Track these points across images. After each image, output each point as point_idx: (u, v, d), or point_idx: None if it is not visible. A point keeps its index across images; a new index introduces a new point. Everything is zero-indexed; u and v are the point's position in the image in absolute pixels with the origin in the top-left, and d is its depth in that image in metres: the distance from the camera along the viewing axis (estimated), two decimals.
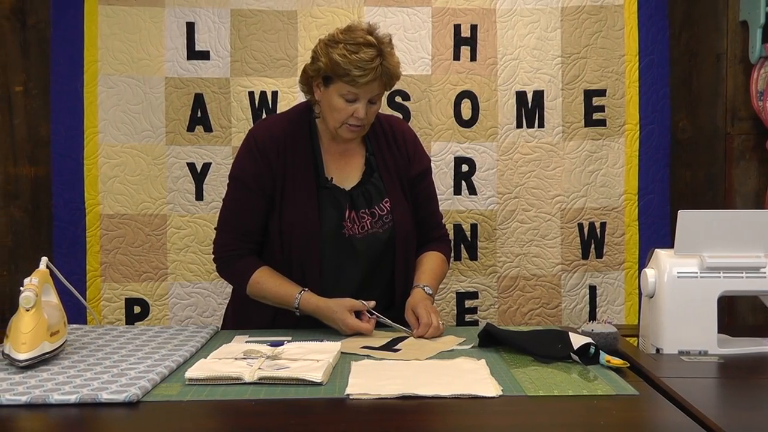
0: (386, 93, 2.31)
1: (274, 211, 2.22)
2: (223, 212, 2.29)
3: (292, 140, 2.24)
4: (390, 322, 2.11)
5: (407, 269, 2.30)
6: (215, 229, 2.32)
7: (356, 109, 2.15)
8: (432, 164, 2.50)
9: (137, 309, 3.06)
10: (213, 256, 2.32)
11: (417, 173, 2.34)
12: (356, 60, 2.10)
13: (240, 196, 2.25)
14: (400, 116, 2.94)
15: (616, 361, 1.76)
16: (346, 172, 2.27)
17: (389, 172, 2.28)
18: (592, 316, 3.13)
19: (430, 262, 2.32)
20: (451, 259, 2.78)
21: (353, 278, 2.22)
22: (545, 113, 3.11)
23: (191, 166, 3.07)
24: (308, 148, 2.25)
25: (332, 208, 2.21)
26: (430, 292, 2.21)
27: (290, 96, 3.05)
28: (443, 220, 2.49)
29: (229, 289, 3.04)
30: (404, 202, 2.29)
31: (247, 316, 2.28)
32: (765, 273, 1.94)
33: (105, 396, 1.52)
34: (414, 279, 2.27)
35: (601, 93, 3.12)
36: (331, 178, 2.24)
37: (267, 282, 2.20)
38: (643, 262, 3.06)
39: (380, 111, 2.31)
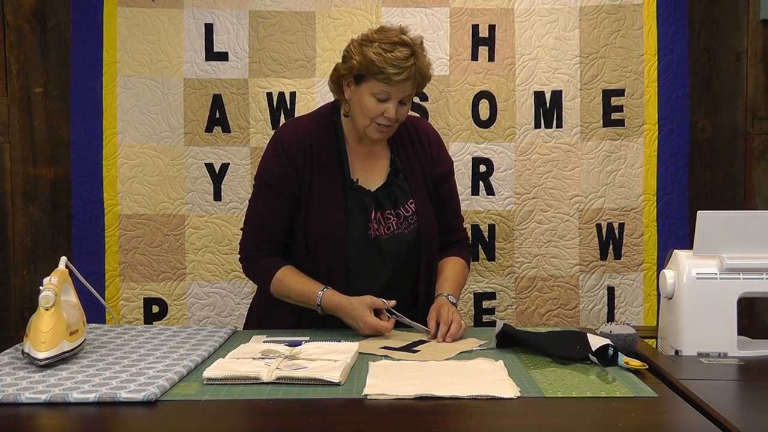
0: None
1: (299, 212, 2.23)
2: (249, 213, 2.31)
3: (318, 142, 2.25)
4: (410, 321, 2.11)
5: (431, 270, 2.30)
6: (241, 229, 2.34)
7: (387, 108, 2.16)
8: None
9: (156, 309, 3.08)
10: (239, 256, 2.33)
11: (441, 174, 2.34)
12: (391, 58, 2.11)
13: (266, 197, 2.26)
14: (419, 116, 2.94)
15: (635, 363, 1.75)
16: (371, 173, 2.27)
17: (414, 173, 2.28)
18: (611, 318, 3.11)
19: (452, 268, 2.31)
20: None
21: (379, 279, 2.22)
22: (563, 113, 3.10)
23: (209, 167, 3.08)
24: (334, 150, 2.26)
25: (358, 210, 2.21)
26: (454, 301, 2.20)
27: (308, 97, 3.06)
28: (464, 223, 2.48)
29: (247, 288, 3.06)
30: (429, 203, 2.29)
31: (273, 315, 2.29)
32: None
33: (124, 395, 1.53)
34: (436, 287, 2.27)
35: (620, 93, 3.10)
36: (357, 179, 2.25)
37: (290, 280, 2.21)
38: (661, 263, 3.04)
39: None
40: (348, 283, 2.20)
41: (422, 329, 2.10)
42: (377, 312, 2.10)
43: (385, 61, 2.11)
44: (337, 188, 2.22)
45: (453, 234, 2.39)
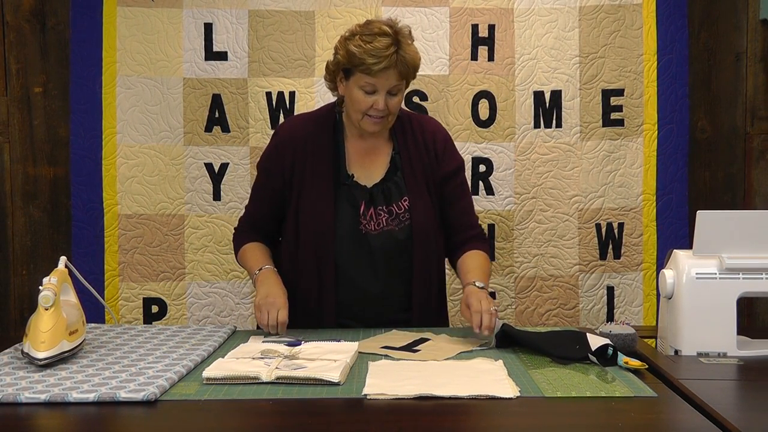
0: (408, 88, 2.30)
1: (290, 206, 2.24)
2: (250, 198, 2.41)
3: (315, 137, 2.27)
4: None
5: (426, 270, 2.27)
6: (242, 215, 2.43)
7: (375, 100, 2.16)
8: None
9: (155, 308, 3.08)
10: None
11: (446, 172, 2.31)
12: (370, 49, 2.12)
13: (261, 185, 2.34)
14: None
15: (635, 363, 1.75)
16: (370, 169, 2.27)
17: (413, 170, 2.27)
18: (610, 317, 3.11)
19: (474, 260, 2.26)
20: None
21: (370, 276, 2.22)
22: (563, 113, 3.10)
23: (209, 167, 3.08)
24: (331, 145, 2.27)
25: (348, 204, 2.22)
26: (482, 286, 2.14)
27: (308, 96, 3.06)
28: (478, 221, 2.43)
29: (247, 288, 3.07)
30: (426, 203, 2.27)
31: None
32: None
33: (123, 395, 1.53)
34: (462, 279, 2.23)
35: (619, 92, 3.11)
36: (353, 174, 2.25)
37: (249, 251, 2.31)
38: (661, 262, 3.05)
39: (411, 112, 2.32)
40: (338, 278, 2.20)
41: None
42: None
43: (365, 53, 2.12)
44: (329, 182, 2.23)
45: (467, 231, 2.34)
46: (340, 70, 2.21)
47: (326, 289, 2.21)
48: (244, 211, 2.42)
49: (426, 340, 2.03)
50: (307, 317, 2.21)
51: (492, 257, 3.10)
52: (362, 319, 2.20)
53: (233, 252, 2.42)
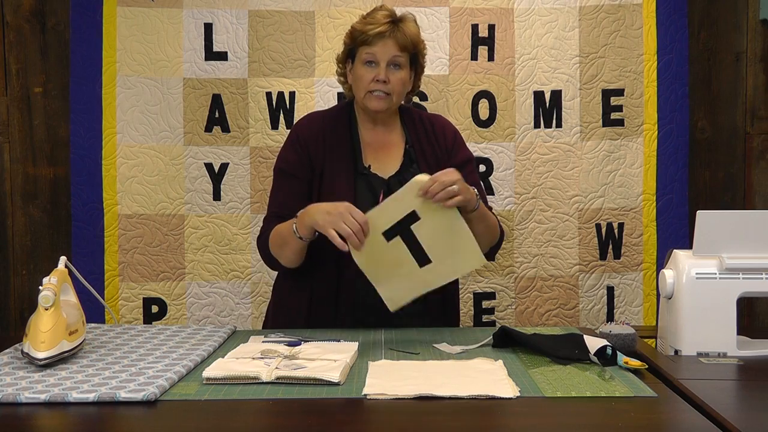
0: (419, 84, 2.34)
1: (312, 198, 2.25)
2: (270, 205, 2.33)
3: (331, 131, 2.30)
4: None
5: None
6: (264, 221, 2.33)
7: (377, 72, 2.22)
8: None
9: (155, 308, 3.08)
10: (256, 244, 2.32)
11: (455, 164, 2.29)
12: (370, 20, 2.25)
13: (283, 184, 2.30)
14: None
15: (634, 363, 1.75)
16: (385, 162, 2.29)
17: (428, 163, 2.29)
18: (610, 317, 3.11)
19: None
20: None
21: None
22: (563, 113, 3.10)
23: (209, 167, 3.08)
24: (347, 138, 2.30)
25: (369, 195, 2.23)
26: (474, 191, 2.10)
27: (307, 96, 3.06)
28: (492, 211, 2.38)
29: (247, 288, 3.06)
30: None
31: (284, 315, 2.30)
32: None
33: (123, 394, 1.53)
34: None
35: (620, 92, 3.10)
36: (369, 165, 2.27)
37: (275, 228, 2.20)
38: (661, 262, 3.05)
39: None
40: (356, 269, 2.19)
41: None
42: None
43: (364, 24, 2.24)
44: (348, 174, 2.25)
45: None
46: (347, 58, 2.29)
47: (345, 280, 2.21)
48: (266, 220, 2.30)
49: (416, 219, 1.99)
50: (325, 309, 2.21)
51: (492, 258, 3.10)
52: (377, 311, 2.18)
53: (262, 255, 2.29)
